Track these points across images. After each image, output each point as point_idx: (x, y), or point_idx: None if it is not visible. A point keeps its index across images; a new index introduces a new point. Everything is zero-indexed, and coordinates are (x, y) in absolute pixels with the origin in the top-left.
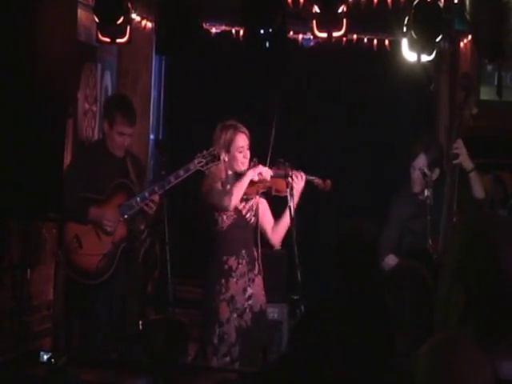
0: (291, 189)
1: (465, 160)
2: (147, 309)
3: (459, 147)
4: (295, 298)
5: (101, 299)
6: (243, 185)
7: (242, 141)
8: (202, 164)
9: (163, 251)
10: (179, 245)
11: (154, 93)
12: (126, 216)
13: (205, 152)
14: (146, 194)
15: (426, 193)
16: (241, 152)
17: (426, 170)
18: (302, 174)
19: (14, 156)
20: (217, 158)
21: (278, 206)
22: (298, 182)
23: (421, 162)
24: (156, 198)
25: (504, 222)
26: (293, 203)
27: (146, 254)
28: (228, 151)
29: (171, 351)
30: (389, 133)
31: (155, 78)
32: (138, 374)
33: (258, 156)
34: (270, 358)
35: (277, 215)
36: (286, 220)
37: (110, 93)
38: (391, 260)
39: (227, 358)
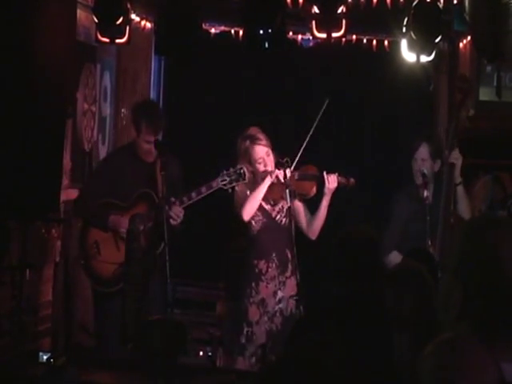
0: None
1: (456, 172)
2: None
3: (458, 157)
4: (295, 298)
5: (116, 306)
6: (257, 196)
7: (259, 152)
8: (225, 182)
9: (162, 252)
10: (179, 245)
11: (153, 93)
12: (142, 228)
13: (231, 170)
14: (166, 207)
15: (426, 193)
16: (260, 163)
17: (425, 171)
18: (335, 175)
19: (14, 156)
20: (242, 176)
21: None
22: (332, 183)
23: (423, 151)
24: (178, 211)
25: (502, 221)
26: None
27: (144, 255)
28: (250, 163)
29: (170, 352)
30: (388, 133)
31: (154, 79)
32: (137, 375)
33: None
34: (270, 357)
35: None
36: (320, 215)
37: (109, 93)
38: (395, 257)
39: (253, 359)
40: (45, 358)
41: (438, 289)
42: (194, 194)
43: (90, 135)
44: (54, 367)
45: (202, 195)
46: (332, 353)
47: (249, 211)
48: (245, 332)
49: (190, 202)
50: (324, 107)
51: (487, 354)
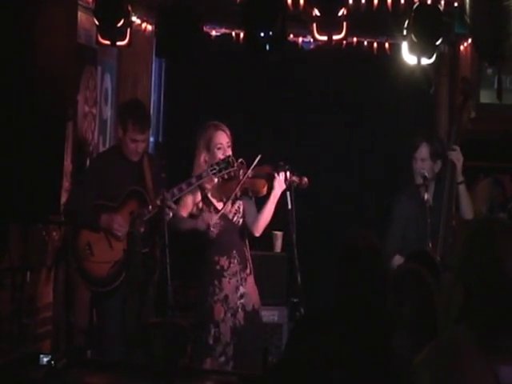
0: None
1: (458, 171)
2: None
3: (459, 158)
4: (295, 300)
5: (114, 305)
6: (188, 226)
7: (220, 138)
8: (214, 171)
9: (163, 254)
10: (179, 248)
11: (153, 95)
12: (142, 230)
13: (219, 159)
14: (158, 202)
15: (426, 196)
16: (219, 149)
17: (426, 174)
18: (288, 173)
19: (14, 158)
20: (231, 164)
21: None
22: (282, 180)
23: (423, 151)
24: (172, 204)
25: (505, 223)
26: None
27: (145, 257)
28: (208, 150)
29: (171, 354)
30: (388, 136)
31: (155, 81)
32: (138, 377)
33: (243, 157)
34: (270, 360)
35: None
36: (266, 211)
37: (110, 95)
38: (397, 261)
39: (222, 358)
40: (45, 360)
41: (439, 291)
42: (184, 186)
43: (91, 137)
44: (55, 370)
45: (193, 186)
46: (330, 355)
47: (184, 227)
48: (212, 333)
49: (181, 194)
50: (255, 162)
51: (485, 359)
